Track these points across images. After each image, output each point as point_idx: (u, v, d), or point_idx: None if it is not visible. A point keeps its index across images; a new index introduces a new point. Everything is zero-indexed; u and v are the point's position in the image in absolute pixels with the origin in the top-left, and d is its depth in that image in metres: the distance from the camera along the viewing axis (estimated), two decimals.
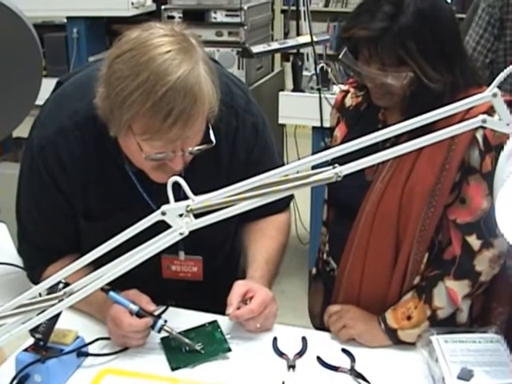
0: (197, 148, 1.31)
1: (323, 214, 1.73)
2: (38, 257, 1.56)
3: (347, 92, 1.66)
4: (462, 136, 1.36)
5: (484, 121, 0.93)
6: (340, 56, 1.42)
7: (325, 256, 1.67)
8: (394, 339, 1.44)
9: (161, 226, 0.95)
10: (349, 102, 1.64)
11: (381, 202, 1.46)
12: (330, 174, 0.93)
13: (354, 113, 1.61)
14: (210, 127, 1.34)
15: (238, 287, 1.45)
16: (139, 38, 1.25)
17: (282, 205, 1.66)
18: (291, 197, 1.70)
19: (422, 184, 1.42)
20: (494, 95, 0.91)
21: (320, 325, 1.67)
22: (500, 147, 1.37)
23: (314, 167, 0.95)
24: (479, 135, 1.38)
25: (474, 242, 1.41)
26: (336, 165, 0.94)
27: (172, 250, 1.41)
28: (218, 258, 1.63)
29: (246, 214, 1.44)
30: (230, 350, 1.41)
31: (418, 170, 1.43)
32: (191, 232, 0.94)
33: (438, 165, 1.40)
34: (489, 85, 1.41)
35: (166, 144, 1.26)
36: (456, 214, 1.42)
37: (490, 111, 1.05)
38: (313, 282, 1.80)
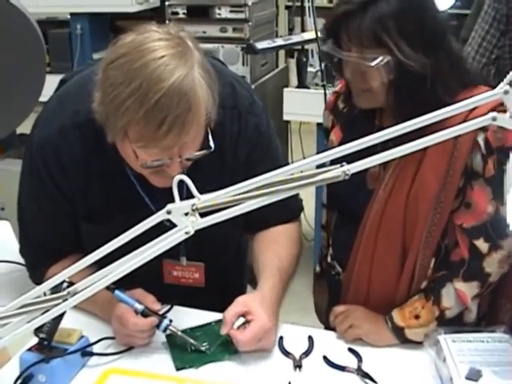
0: (195, 154, 1.29)
1: (322, 219, 1.71)
2: (38, 256, 1.55)
3: (339, 94, 1.63)
4: (463, 141, 1.35)
5: (494, 118, 0.91)
6: (324, 47, 1.42)
7: (329, 259, 1.66)
8: (401, 338, 1.43)
9: (163, 228, 0.93)
10: (342, 104, 1.62)
11: (385, 211, 1.45)
12: (337, 172, 0.91)
13: (349, 116, 1.58)
14: (210, 132, 1.31)
15: (237, 307, 1.39)
16: (134, 42, 1.23)
17: (292, 214, 1.63)
18: (301, 207, 1.67)
19: (427, 190, 1.40)
20: (506, 92, 0.89)
21: (327, 323, 1.65)
22: (502, 149, 1.36)
23: (318, 166, 0.94)
24: (480, 139, 1.37)
25: (481, 245, 1.40)
26: (344, 163, 0.92)
27: (174, 255, 1.39)
28: (221, 264, 1.59)
29: (255, 224, 1.41)
30: (236, 351, 1.39)
31: (422, 177, 1.41)
32: (194, 236, 0.92)
33: (442, 171, 1.39)
34: (492, 84, 1.40)
35: (162, 151, 1.23)
36: (462, 218, 1.41)
37: (496, 110, 1.03)
38: (316, 280, 1.79)
